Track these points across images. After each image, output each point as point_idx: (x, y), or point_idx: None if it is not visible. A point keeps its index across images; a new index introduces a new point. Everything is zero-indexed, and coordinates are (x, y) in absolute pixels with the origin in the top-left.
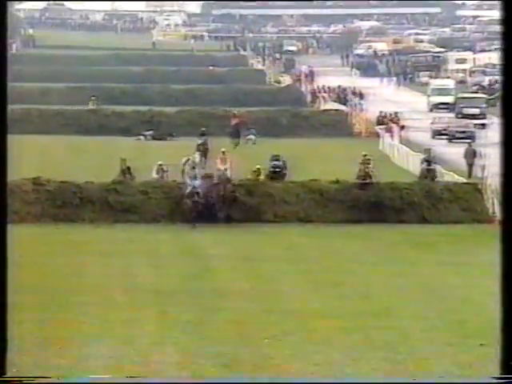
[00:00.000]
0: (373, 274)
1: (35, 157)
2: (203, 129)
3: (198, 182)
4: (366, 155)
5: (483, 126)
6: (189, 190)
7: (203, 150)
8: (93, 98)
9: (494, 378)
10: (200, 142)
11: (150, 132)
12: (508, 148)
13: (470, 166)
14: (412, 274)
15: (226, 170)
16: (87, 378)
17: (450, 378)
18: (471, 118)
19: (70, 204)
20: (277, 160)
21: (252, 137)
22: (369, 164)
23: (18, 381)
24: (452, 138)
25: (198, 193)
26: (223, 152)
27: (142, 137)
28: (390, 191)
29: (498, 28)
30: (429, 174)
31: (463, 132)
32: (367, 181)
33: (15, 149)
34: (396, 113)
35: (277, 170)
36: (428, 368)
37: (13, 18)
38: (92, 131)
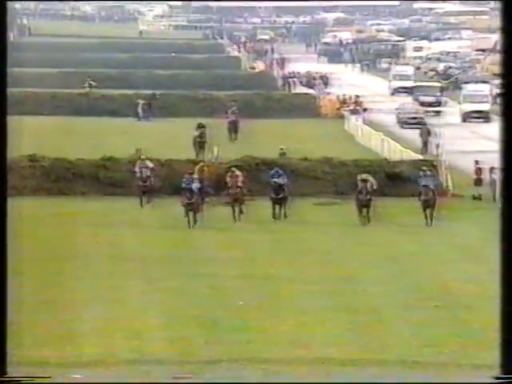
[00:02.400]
0: (339, 243)
1: (31, 136)
2: (201, 122)
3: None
4: (364, 175)
5: (438, 112)
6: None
7: (200, 143)
8: (88, 79)
9: (494, 377)
10: (196, 133)
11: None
12: (508, 148)
13: (425, 143)
14: (374, 242)
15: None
16: (87, 378)
17: (449, 378)
18: (427, 106)
19: (63, 179)
20: (278, 176)
21: None
22: (368, 182)
23: (17, 381)
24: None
25: (191, 189)
26: (232, 171)
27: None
28: (354, 167)
29: (451, 19)
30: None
31: (415, 118)
32: (369, 197)
33: (13, 128)
34: (356, 95)
35: (279, 195)
36: (389, 328)
37: (10, 9)
38: (83, 113)
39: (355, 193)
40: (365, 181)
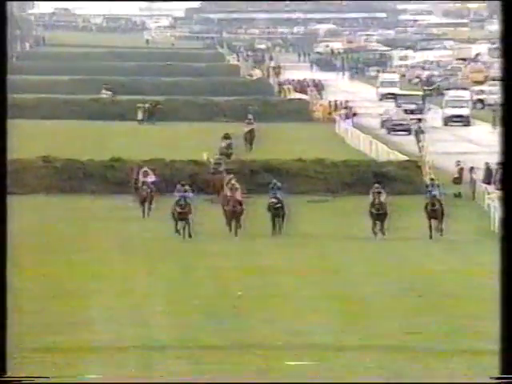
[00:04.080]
0: (330, 238)
1: (45, 138)
2: (227, 133)
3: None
4: (377, 186)
5: (419, 120)
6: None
7: (226, 154)
8: (105, 85)
9: (494, 378)
10: (223, 144)
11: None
12: (508, 149)
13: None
14: (362, 238)
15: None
16: (87, 378)
17: (450, 378)
18: (409, 113)
19: (74, 178)
20: (278, 189)
21: None
22: (380, 193)
23: (17, 381)
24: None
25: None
26: (232, 184)
27: (139, 114)
28: (344, 167)
29: (434, 30)
30: None
31: (402, 124)
32: (381, 212)
33: (29, 131)
34: (347, 101)
35: (277, 205)
36: (377, 315)
37: (26, 21)
38: (93, 117)
39: (369, 206)
40: (377, 193)
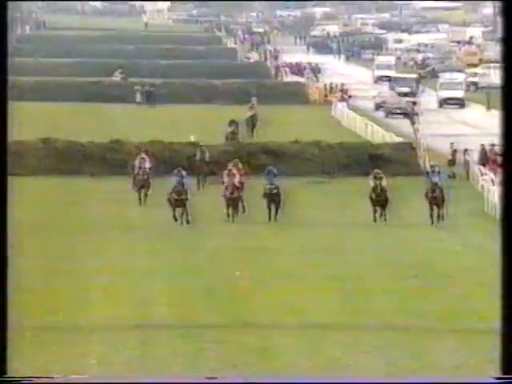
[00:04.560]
0: (326, 218)
1: (45, 120)
2: (233, 119)
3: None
4: (378, 171)
5: (414, 103)
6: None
7: (232, 139)
8: (119, 70)
9: (494, 378)
10: (230, 129)
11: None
12: (508, 149)
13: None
14: (357, 217)
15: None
16: (87, 378)
17: (449, 378)
18: (403, 96)
19: (74, 160)
20: (274, 176)
21: None
22: (382, 179)
23: (17, 381)
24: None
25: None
26: (230, 169)
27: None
28: (340, 150)
29: (428, 13)
30: None
31: (400, 108)
32: (383, 197)
33: (29, 113)
34: (342, 84)
35: (274, 191)
36: (372, 291)
37: (26, 5)
38: (94, 99)
39: (370, 192)
40: (379, 178)
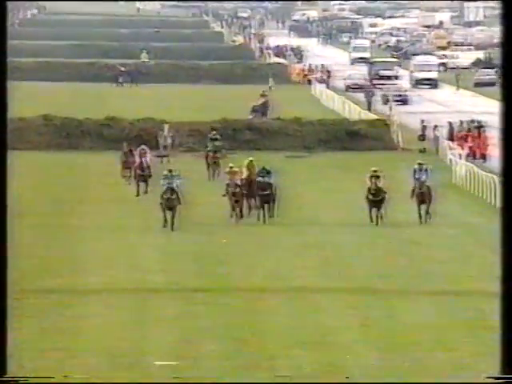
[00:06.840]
0: (308, 190)
1: (45, 98)
2: (254, 104)
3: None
4: (375, 170)
5: (395, 84)
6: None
7: (263, 112)
8: (144, 50)
9: (494, 378)
10: (259, 102)
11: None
12: (508, 149)
13: (369, 103)
14: (337, 189)
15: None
16: (87, 378)
17: (449, 378)
18: (386, 79)
19: (72, 135)
20: (268, 173)
21: None
22: (378, 178)
23: (17, 381)
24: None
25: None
26: (231, 167)
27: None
28: (320, 126)
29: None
30: None
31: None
32: (380, 197)
33: (29, 92)
34: (322, 65)
35: (265, 192)
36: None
37: None
38: (89, 79)
39: (366, 191)
40: (376, 177)
